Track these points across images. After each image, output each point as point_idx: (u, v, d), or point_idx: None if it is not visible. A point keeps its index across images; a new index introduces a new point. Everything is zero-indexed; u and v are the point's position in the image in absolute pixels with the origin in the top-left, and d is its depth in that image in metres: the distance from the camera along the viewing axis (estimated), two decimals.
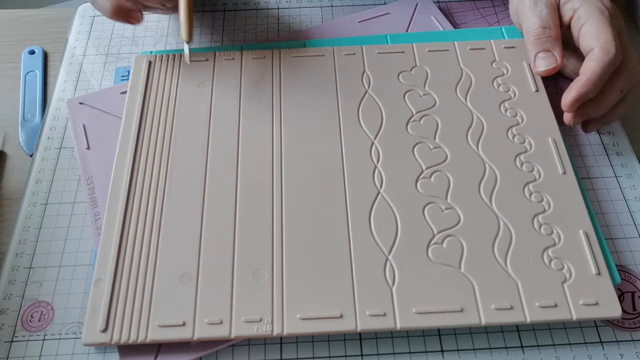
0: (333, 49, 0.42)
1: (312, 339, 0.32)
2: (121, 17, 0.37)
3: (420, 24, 0.45)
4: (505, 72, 0.40)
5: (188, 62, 0.39)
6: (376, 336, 0.32)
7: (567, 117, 0.37)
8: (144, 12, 0.39)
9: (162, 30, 0.47)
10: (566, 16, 0.38)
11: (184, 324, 0.30)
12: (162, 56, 0.41)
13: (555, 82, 0.43)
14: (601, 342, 0.32)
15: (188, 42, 0.38)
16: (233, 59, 0.41)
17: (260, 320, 0.30)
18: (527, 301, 0.31)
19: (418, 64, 0.41)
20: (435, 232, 0.33)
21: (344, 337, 0.32)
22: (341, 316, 0.30)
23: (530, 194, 0.35)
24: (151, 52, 0.42)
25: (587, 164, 0.39)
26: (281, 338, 0.32)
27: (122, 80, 0.43)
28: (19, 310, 0.33)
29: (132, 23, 0.38)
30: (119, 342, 0.30)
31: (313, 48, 0.42)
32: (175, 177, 0.36)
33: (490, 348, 0.32)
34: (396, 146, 0.37)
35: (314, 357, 0.32)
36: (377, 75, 0.40)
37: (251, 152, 0.37)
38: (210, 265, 0.32)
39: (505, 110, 0.38)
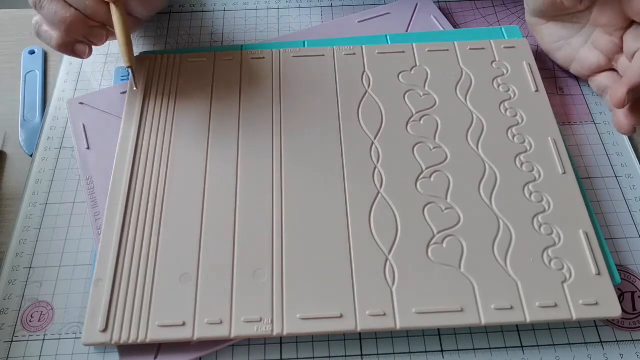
0: (333, 49, 0.42)
1: (312, 339, 0.32)
2: (68, 51, 0.37)
3: (420, 24, 0.45)
4: (505, 72, 0.40)
5: (135, 89, 0.39)
6: (376, 336, 0.32)
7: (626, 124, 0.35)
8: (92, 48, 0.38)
9: (162, 30, 0.47)
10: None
11: (184, 324, 0.30)
12: (162, 56, 0.41)
13: (555, 82, 0.43)
14: (601, 342, 0.32)
15: (130, 68, 0.36)
16: (233, 59, 0.41)
17: (260, 320, 0.30)
18: (527, 301, 0.31)
19: (418, 64, 0.41)
20: (435, 232, 0.33)
21: (344, 337, 0.32)
22: (341, 316, 0.30)
23: (530, 194, 0.35)
24: (151, 52, 0.42)
25: (587, 164, 0.39)
26: (281, 338, 0.32)
27: (122, 80, 0.43)
28: (19, 310, 0.33)
29: (80, 57, 0.37)
30: (119, 342, 0.30)
31: (313, 48, 0.42)
32: (175, 177, 0.36)
33: (490, 348, 0.32)
34: (396, 146, 0.37)
35: (314, 357, 0.32)
36: (377, 75, 0.40)
37: (251, 151, 0.37)
38: (210, 265, 0.32)
39: (505, 110, 0.38)
